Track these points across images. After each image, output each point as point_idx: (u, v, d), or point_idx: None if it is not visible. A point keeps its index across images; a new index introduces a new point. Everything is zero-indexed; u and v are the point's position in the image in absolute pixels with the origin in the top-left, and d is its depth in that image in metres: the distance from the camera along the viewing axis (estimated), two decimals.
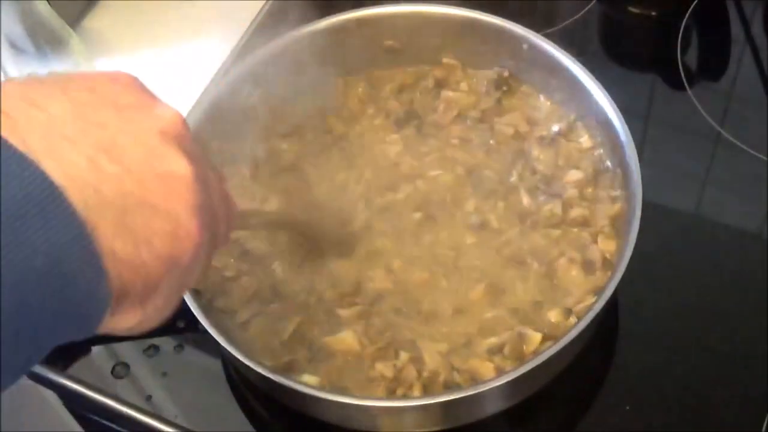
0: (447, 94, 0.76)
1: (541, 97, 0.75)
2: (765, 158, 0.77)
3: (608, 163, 0.70)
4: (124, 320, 0.38)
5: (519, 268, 0.67)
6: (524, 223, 0.69)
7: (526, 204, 0.69)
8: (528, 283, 0.66)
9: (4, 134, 0.33)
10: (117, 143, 0.36)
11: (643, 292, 0.71)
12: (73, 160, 0.34)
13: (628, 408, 0.65)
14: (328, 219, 0.69)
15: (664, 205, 0.76)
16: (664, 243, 0.74)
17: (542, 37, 0.72)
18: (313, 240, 0.67)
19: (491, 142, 0.73)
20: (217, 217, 0.42)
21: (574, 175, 0.70)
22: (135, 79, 0.40)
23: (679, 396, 0.66)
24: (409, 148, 0.74)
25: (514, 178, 0.71)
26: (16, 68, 0.76)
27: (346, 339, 0.63)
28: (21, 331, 0.32)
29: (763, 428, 0.63)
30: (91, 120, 0.36)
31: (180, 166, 0.38)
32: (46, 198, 0.32)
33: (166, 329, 0.69)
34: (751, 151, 0.78)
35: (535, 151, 0.72)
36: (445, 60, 0.77)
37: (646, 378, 0.67)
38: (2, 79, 0.77)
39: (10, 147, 0.32)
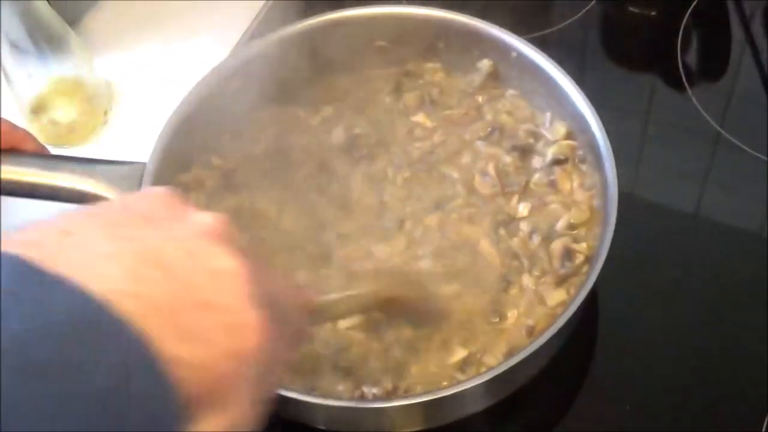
0: (432, 95, 0.75)
1: (524, 102, 0.74)
2: (765, 158, 0.77)
3: (587, 166, 0.69)
4: (208, 428, 0.35)
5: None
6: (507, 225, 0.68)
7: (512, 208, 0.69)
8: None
9: (33, 258, 0.31)
10: (155, 250, 0.34)
11: (644, 292, 0.71)
12: (111, 274, 0.32)
13: (628, 408, 0.65)
14: (415, 291, 0.64)
15: (664, 205, 0.76)
16: (664, 243, 0.74)
17: (531, 45, 0.71)
18: (405, 314, 0.63)
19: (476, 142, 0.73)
20: (280, 306, 0.40)
21: (560, 181, 0.69)
22: (168, 193, 0.39)
23: (678, 396, 0.66)
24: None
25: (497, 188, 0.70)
26: (16, 68, 0.76)
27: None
28: None
29: (763, 428, 0.64)
30: (124, 236, 0.35)
31: (226, 261, 0.36)
32: (94, 316, 0.30)
33: None
34: (751, 151, 0.78)
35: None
36: (432, 63, 0.77)
37: (645, 378, 0.67)
38: (2, 79, 0.77)
39: (47, 273, 0.31)
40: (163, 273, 0.34)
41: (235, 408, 0.36)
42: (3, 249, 0.31)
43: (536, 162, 0.71)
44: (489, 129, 0.72)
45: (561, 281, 0.64)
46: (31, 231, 0.34)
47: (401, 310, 0.62)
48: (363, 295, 0.60)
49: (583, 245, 0.65)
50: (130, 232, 0.35)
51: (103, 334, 0.30)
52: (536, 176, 0.70)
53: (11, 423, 0.27)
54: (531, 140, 0.71)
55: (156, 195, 0.39)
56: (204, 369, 0.34)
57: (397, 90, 0.76)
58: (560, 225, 0.67)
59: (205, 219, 0.38)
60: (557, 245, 0.65)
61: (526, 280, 0.65)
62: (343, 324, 0.63)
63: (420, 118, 0.74)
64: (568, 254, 0.64)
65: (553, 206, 0.68)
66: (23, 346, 0.29)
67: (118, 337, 0.31)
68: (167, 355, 0.32)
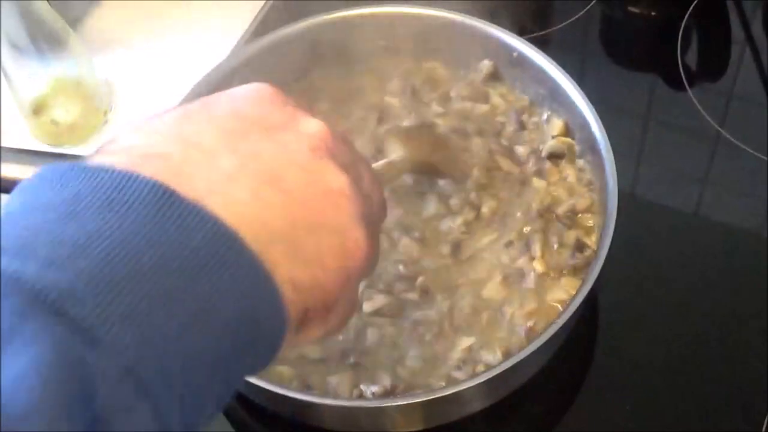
0: (434, 96, 0.75)
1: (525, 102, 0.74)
2: (765, 158, 0.77)
3: (585, 164, 0.70)
4: (308, 337, 0.39)
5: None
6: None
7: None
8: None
9: (168, 180, 0.32)
10: (274, 171, 0.36)
11: (644, 292, 0.71)
12: (237, 196, 0.34)
13: (628, 408, 0.65)
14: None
15: (664, 205, 0.76)
16: (664, 243, 0.74)
17: (531, 45, 0.72)
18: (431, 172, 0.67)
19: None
20: (374, 207, 0.42)
21: (549, 172, 0.70)
22: (273, 92, 0.40)
23: (678, 396, 0.66)
24: None
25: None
26: (16, 68, 0.76)
27: None
28: (214, 376, 0.33)
29: (763, 428, 0.63)
30: (244, 151, 0.36)
31: (336, 180, 0.38)
32: (224, 246, 0.32)
33: None
34: (751, 151, 0.78)
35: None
36: (432, 63, 0.77)
37: (645, 378, 0.67)
38: (2, 79, 0.77)
39: (180, 198, 0.32)
40: (283, 196, 0.36)
41: (335, 316, 0.39)
42: (138, 171, 0.32)
43: (523, 150, 0.71)
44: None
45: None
46: (147, 134, 0.35)
47: (432, 170, 0.66)
48: (400, 161, 0.63)
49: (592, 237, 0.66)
50: (249, 145, 0.36)
51: (232, 265, 0.32)
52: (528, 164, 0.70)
53: (146, 347, 0.29)
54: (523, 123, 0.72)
55: (263, 95, 0.40)
56: (314, 290, 0.36)
57: (398, 89, 0.76)
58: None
59: (313, 127, 0.39)
60: (571, 235, 0.66)
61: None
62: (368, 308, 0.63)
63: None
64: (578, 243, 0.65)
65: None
66: (163, 274, 0.31)
67: (244, 267, 0.33)
68: (283, 280, 0.34)
